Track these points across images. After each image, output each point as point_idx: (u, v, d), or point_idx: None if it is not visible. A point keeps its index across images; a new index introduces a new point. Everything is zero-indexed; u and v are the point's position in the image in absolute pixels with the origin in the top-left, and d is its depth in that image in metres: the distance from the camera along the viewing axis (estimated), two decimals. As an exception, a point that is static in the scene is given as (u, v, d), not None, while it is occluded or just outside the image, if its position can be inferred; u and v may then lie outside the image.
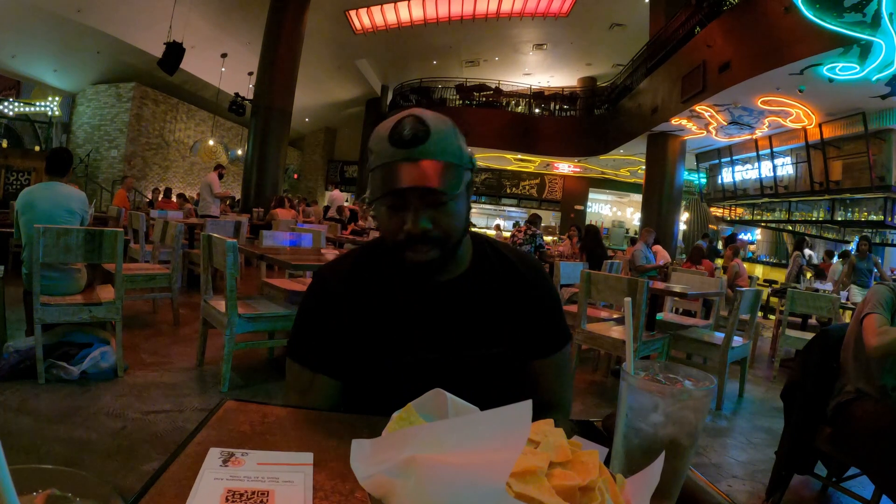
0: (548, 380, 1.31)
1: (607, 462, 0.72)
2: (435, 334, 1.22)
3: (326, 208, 14.38)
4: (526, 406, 0.54)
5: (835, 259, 11.60)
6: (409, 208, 1.13)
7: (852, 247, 12.44)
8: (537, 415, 0.58)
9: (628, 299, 0.77)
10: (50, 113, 18.11)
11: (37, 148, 17.19)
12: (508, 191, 25.59)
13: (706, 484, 0.85)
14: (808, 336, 5.48)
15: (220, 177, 10.35)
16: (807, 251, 12.08)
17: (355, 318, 1.22)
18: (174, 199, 14.86)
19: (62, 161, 4.30)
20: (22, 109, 17.58)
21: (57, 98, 18.21)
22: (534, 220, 9.16)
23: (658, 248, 9.10)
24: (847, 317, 7.03)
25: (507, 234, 12.93)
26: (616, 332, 4.57)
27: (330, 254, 5.02)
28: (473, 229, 1.41)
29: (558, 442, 0.62)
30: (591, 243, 8.56)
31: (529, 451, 0.59)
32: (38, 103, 17.82)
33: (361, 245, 1.39)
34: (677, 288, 5.21)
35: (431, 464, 0.53)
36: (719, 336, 4.80)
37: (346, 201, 18.79)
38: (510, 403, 0.54)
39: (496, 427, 0.54)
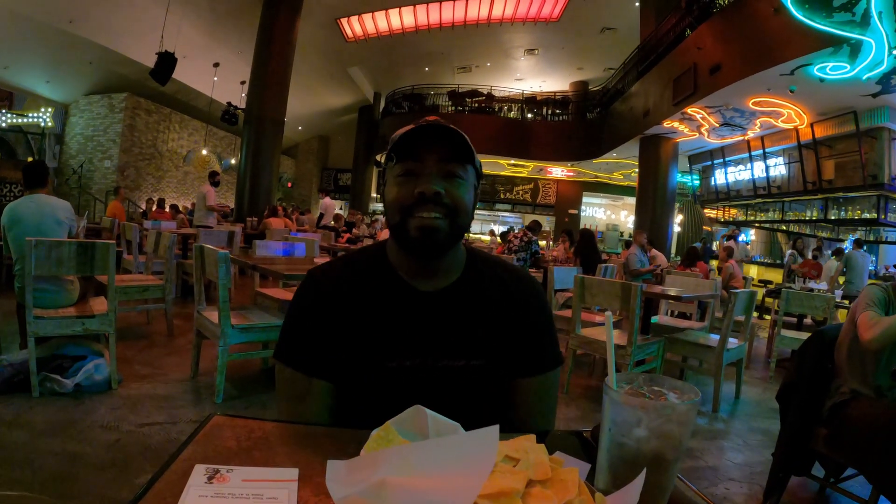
0: (529, 402, 1.29)
1: (592, 475, 0.72)
2: (418, 342, 1.21)
3: (320, 216, 14.32)
4: (493, 432, 0.54)
5: (828, 257, 11.62)
6: (423, 173, 1.17)
7: (847, 245, 12.47)
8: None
9: (608, 313, 0.76)
10: (43, 124, 18.07)
11: (29, 159, 17.14)
12: (502, 196, 25.63)
13: (695, 493, 0.84)
14: (804, 336, 5.49)
15: (216, 185, 10.17)
16: (789, 251, 12.16)
17: (344, 320, 1.22)
18: (167, 209, 14.81)
19: (38, 172, 4.30)
20: (14, 121, 17.53)
21: (49, 109, 18.18)
22: (534, 227, 9.12)
23: (656, 252, 9.11)
24: (842, 316, 7.05)
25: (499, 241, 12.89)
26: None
27: (323, 261, 5.01)
28: (468, 235, 1.42)
29: (539, 459, 0.61)
30: (586, 248, 8.55)
31: (508, 470, 0.59)
32: (30, 114, 17.79)
33: (354, 250, 1.41)
34: (672, 291, 5.21)
35: (401, 487, 0.53)
36: (715, 338, 4.80)
37: (340, 209, 18.79)
38: (490, 417, 0.54)
39: (464, 452, 0.54)
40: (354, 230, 13.20)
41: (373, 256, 1.30)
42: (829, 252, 11.68)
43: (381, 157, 1.22)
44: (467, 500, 0.50)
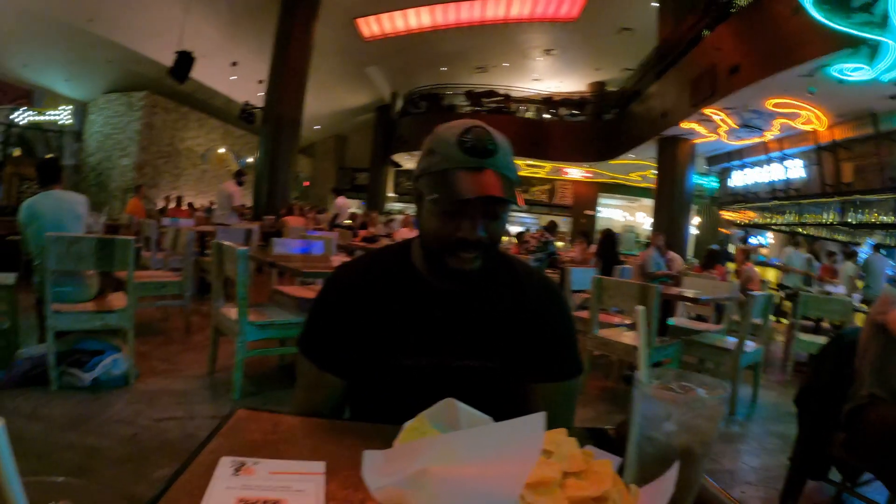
0: (548, 408, 1.25)
1: (620, 471, 0.71)
2: (434, 340, 1.23)
3: (334, 216, 14.31)
4: (539, 418, 0.53)
5: (840, 261, 11.49)
6: (468, 216, 1.14)
7: (865, 248, 12.32)
8: None
9: (642, 308, 0.76)
10: (61, 122, 18.25)
11: (49, 157, 17.31)
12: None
13: (719, 492, 0.84)
14: (821, 340, 5.45)
15: (241, 184, 9.78)
16: (798, 252, 12.02)
17: (364, 317, 1.23)
18: (184, 208, 14.91)
19: (52, 169, 4.37)
20: (34, 118, 17.71)
21: (69, 107, 18.37)
22: (551, 228, 9.08)
23: (673, 254, 9.02)
24: (860, 320, 6.97)
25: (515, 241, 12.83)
26: (628, 337, 4.54)
27: (340, 261, 5.03)
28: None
29: (571, 451, 0.61)
30: (608, 249, 8.47)
31: (543, 461, 0.59)
32: (49, 112, 17.97)
33: (379, 248, 1.42)
34: (689, 293, 5.19)
35: (444, 476, 0.52)
36: (732, 341, 4.77)
37: (357, 209, 18.79)
38: (504, 420, 0.54)
39: (509, 439, 0.54)
40: (371, 228, 13.21)
41: (397, 255, 1.31)
42: (841, 256, 11.52)
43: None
44: (514, 488, 0.49)
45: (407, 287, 1.26)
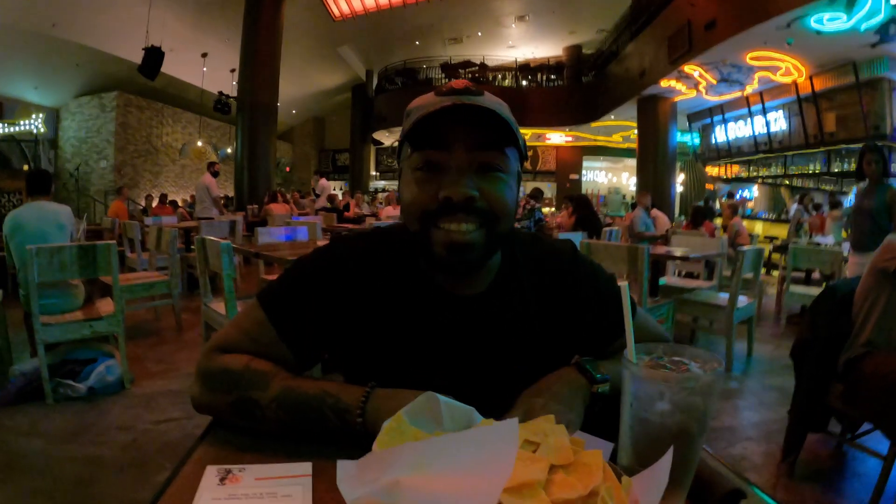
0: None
1: (614, 456, 0.69)
2: (457, 354, 1.02)
3: (316, 197, 14.21)
4: (512, 425, 0.51)
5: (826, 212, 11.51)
6: (449, 168, 0.92)
7: (850, 198, 12.37)
8: None
9: (625, 283, 0.72)
10: (35, 131, 17.97)
11: (25, 167, 17.07)
12: (502, 164, 25.47)
13: (719, 462, 0.82)
14: (813, 291, 5.48)
15: (216, 174, 9.88)
16: (794, 205, 12.05)
17: (364, 314, 1.02)
18: (167, 205, 14.81)
19: (42, 180, 4.30)
20: (6, 130, 17.43)
21: (41, 115, 18.07)
22: (535, 195, 9.02)
23: (657, 212, 9.03)
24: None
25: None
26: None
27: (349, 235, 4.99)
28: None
29: (559, 443, 0.59)
30: (585, 213, 8.44)
31: (528, 458, 0.56)
32: (22, 122, 17.67)
33: (380, 230, 1.12)
34: (678, 252, 5.18)
35: (417, 488, 0.51)
36: (724, 297, 4.77)
37: (338, 189, 18.69)
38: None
39: (482, 450, 0.52)
40: (355, 209, 13.15)
41: (400, 243, 1.06)
42: (827, 207, 11.52)
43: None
44: (488, 503, 0.47)
45: (415, 287, 1.03)
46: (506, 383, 0.97)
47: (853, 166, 12.35)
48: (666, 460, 0.56)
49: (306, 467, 0.81)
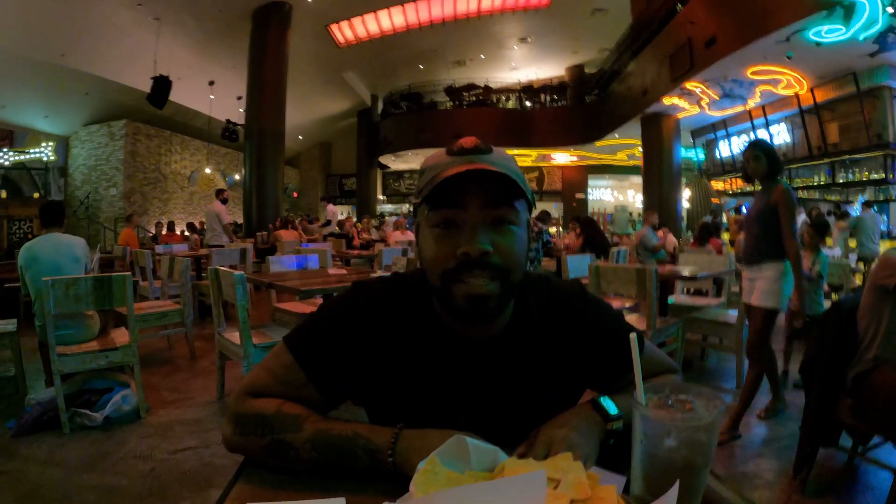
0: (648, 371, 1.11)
1: (627, 487, 0.74)
2: (472, 397, 1.07)
3: (327, 223, 14.30)
4: (540, 477, 0.55)
5: (831, 223, 11.48)
6: (465, 225, 0.98)
7: (856, 208, 12.34)
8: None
9: (633, 335, 0.77)
10: (45, 159, 18.22)
11: (36, 195, 17.31)
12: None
13: (725, 487, 0.86)
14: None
15: (224, 202, 10.00)
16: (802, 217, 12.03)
17: (383, 358, 1.08)
18: (178, 232, 14.91)
19: (55, 212, 4.35)
20: (17, 158, 17.66)
21: (51, 143, 18.32)
22: (543, 217, 8.99)
23: (664, 232, 9.04)
24: (858, 279, 7.00)
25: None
26: (629, 320, 4.55)
27: (337, 272, 5.05)
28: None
29: (577, 479, 0.63)
30: (591, 233, 8.47)
31: (551, 494, 0.61)
32: (32, 150, 17.93)
33: (399, 276, 1.20)
34: (686, 272, 5.19)
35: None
36: (733, 314, 4.79)
37: (346, 214, 18.77)
38: None
39: (515, 497, 0.56)
40: (364, 235, 13.21)
41: (415, 290, 1.12)
42: (832, 217, 11.47)
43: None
44: None
45: (431, 332, 1.09)
46: (521, 420, 1.03)
47: (858, 176, 12.42)
48: (672, 493, 0.60)
49: (340, 502, 0.84)
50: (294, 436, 0.97)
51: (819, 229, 4.98)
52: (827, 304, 4.78)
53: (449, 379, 1.07)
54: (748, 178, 3.96)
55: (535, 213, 9.39)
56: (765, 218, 3.73)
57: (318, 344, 1.09)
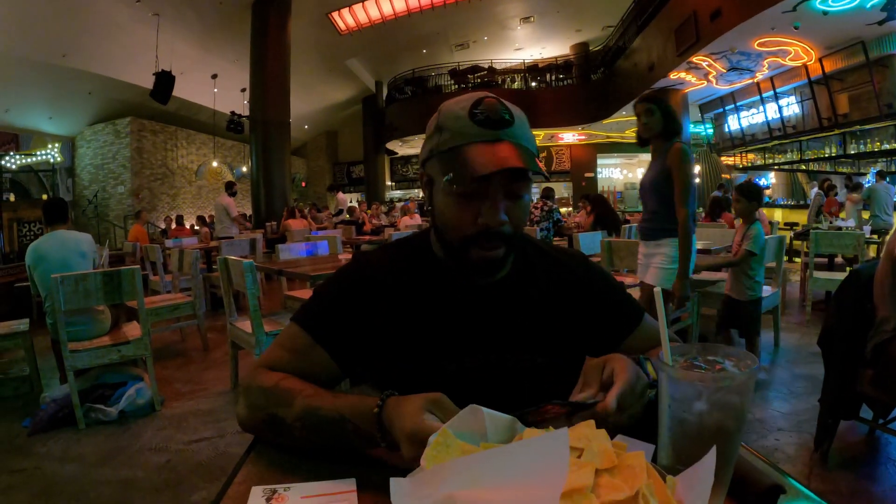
0: (645, 346, 1.18)
1: (655, 457, 0.70)
2: (479, 340, 1.11)
3: (339, 211, 14.32)
4: (562, 436, 0.52)
5: (842, 192, 11.35)
6: (488, 196, 1.02)
7: (868, 178, 12.20)
8: None
9: (658, 289, 0.73)
10: (52, 160, 18.22)
11: (44, 197, 17.31)
12: (516, 166, 25.42)
13: (756, 456, 0.82)
14: (837, 276, 5.39)
15: (234, 194, 10.11)
16: (814, 190, 11.91)
17: (391, 315, 1.11)
18: (187, 226, 14.94)
19: (58, 209, 4.34)
20: (24, 161, 17.69)
21: (56, 144, 18.32)
22: (547, 194, 8.90)
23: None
24: (873, 252, 6.92)
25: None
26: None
27: (347, 258, 5.02)
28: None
29: (602, 447, 0.60)
30: (602, 210, 8.38)
31: (574, 463, 0.57)
32: (38, 152, 17.93)
33: (396, 240, 1.27)
34: (699, 245, 5.14)
35: (472, 502, 0.51)
36: (747, 288, 4.73)
37: (355, 202, 18.78)
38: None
39: (533, 460, 0.52)
40: (374, 221, 13.20)
41: (417, 249, 1.19)
42: (844, 189, 11.32)
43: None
44: None
45: (435, 282, 1.14)
46: (527, 369, 1.12)
47: (869, 147, 12.26)
48: (710, 459, 0.56)
49: (351, 483, 0.82)
50: (286, 411, 0.98)
51: (749, 194, 4.36)
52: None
53: (452, 322, 1.12)
54: (641, 140, 3.47)
55: (538, 190, 9.36)
56: (659, 186, 3.36)
57: (320, 308, 1.14)
